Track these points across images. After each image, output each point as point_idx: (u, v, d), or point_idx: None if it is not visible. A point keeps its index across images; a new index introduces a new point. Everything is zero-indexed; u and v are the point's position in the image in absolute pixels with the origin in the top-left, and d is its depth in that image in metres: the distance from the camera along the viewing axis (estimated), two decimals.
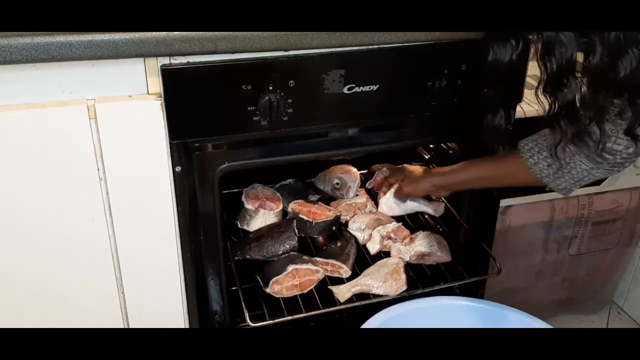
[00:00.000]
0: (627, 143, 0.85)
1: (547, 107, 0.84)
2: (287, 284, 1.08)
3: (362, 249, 1.23)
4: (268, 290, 1.09)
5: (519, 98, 1.04)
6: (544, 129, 0.94)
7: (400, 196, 1.25)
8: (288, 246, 1.15)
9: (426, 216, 1.36)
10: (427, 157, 1.44)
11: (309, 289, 1.10)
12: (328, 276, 1.15)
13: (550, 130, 0.86)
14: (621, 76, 0.75)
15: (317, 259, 1.15)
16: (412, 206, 1.30)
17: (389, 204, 1.32)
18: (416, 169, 1.24)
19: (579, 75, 0.80)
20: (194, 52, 0.81)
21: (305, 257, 1.13)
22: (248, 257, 1.15)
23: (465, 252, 1.23)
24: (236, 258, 1.16)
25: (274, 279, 1.08)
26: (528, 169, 0.95)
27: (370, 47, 0.90)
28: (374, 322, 1.05)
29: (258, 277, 1.13)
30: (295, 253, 1.15)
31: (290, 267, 1.09)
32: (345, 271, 1.15)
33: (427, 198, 1.33)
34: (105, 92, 0.83)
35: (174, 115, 0.85)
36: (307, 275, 1.10)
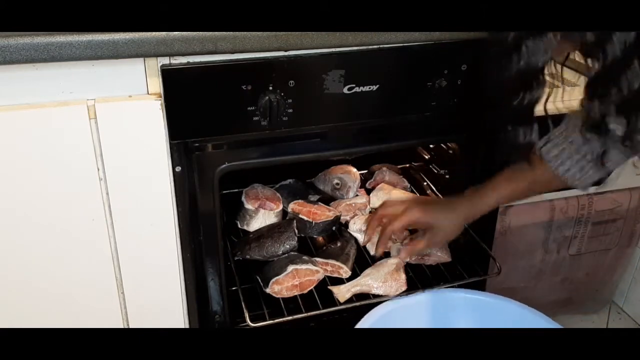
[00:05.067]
0: None
1: (595, 108, 0.76)
2: (287, 284, 1.09)
3: (362, 250, 1.23)
4: (268, 290, 1.09)
5: None
6: (560, 126, 0.91)
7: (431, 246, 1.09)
8: (288, 246, 1.15)
9: None
10: (427, 157, 1.44)
11: (308, 289, 1.10)
12: (328, 276, 1.15)
13: (597, 137, 0.80)
14: None
15: (317, 259, 1.15)
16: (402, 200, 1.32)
17: (379, 196, 1.32)
18: (437, 207, 1.05)
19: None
20: (194, 52, 0.81)
21: (305, 258, 1.13)
22: (248, 257, 1.15)
23: (465, 252, 1.23)
24: (236, 258, 1.16)
25: (273, 279, 1.08)
26: (560, 177, 0.91)
27: (370, 47, 0.90)
28: (371, 317, 1.04)
29: (258, 277, 1.13)
30: (295, 253, 1.15)
31: (290, 268, 1.09)
32: (345, 271, 1.15)
33: (417, 192, 1.37)
34: (105, 92, 0.83)
35: (174, 115, 0.85)
36: (307, 276, 1.10)
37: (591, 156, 0.88)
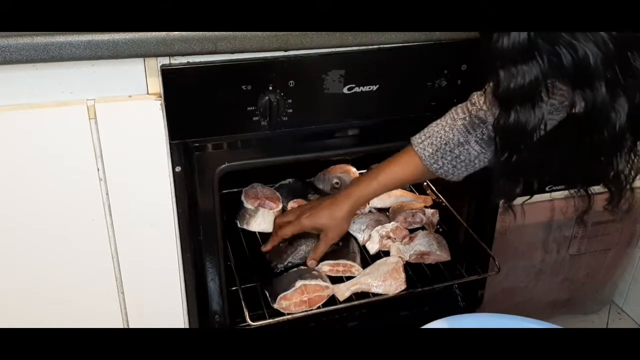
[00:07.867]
0: None
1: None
2: (295, 299, 1.06)
3: (361, 249, 1.23)
4: (275, 305, 1.06)
5: None
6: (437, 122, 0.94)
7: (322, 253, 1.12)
8: None
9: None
10: None
11: (317, 305, 1.07)
12: (328, 276, 1.14)
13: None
14: None
15: (329, 261, 1.13)
16: (402, 199, 1.34)
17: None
18: (322, 210, 1.08)
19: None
20: (194, 52, 0.81)
21: (314, 272, 1.10)
22: (290, 264, 1.13)
23: (465, 251, 1.23)
24: (278, 270, 1.14)
25: (281, 295, 1.06)
26: (433, 173, 0.96)
27: (370, 47, 0.90)
28: None
29: (266, 292, 1.10)
30: (305, 267, 1.12)
31: (299, 283, 1.06)
32: (357, 269, 1.13)
33: (415, 191, 1.37)
34: (105, 92, 0.83)
35: (174, 115, 0.85)
36: (316, 292, 1.07)
37: (465, 156, 0.92)
